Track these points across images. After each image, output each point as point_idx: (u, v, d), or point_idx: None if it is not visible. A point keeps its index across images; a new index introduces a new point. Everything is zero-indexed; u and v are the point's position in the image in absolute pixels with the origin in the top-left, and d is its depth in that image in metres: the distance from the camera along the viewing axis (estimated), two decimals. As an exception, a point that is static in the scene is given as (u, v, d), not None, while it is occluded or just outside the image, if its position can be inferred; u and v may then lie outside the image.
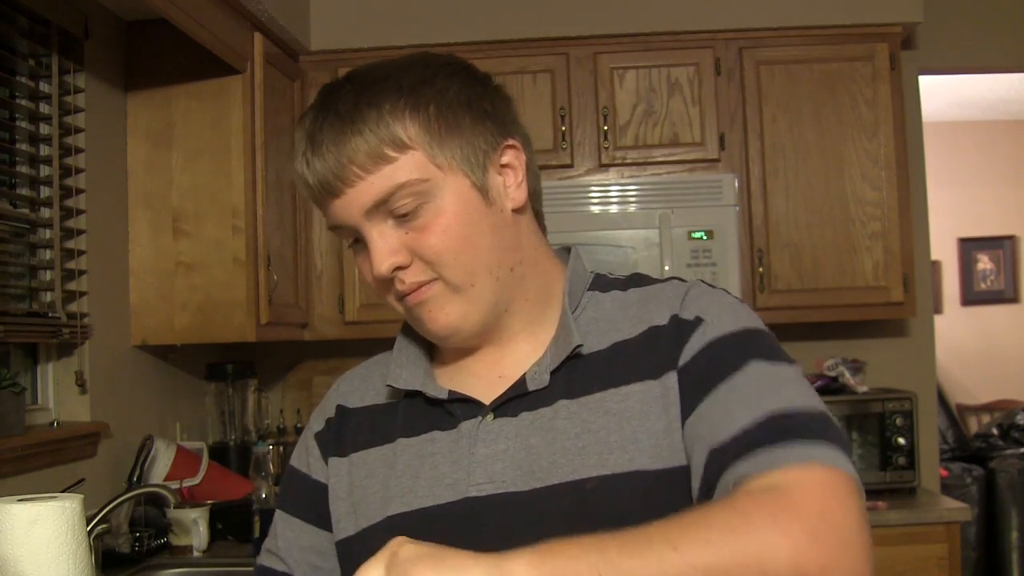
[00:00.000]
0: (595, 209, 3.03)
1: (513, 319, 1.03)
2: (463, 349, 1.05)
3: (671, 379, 0.96)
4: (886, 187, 3.09)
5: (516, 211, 1.03)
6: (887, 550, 2.74)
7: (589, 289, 1.07)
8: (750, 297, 3.07)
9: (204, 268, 2.69)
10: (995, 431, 5.22)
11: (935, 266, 5.87)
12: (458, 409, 1.02)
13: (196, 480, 2.72)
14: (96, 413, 2.50)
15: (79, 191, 2.47)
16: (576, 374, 0.99)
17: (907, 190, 3.14)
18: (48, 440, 2.27)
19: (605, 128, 3.12)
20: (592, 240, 2.98)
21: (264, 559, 1.12)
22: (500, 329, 1.03)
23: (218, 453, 3.00)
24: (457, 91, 0.99)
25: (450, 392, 1.03)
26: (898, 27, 3.13)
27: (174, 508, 2.43)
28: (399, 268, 0.98)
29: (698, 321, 0.97)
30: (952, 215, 5.90)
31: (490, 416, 1.00)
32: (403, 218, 0.97)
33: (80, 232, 2.47)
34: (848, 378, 3.14)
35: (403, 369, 1.07)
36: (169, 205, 2.71)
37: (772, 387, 0.90)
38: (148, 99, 2.72)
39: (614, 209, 3.03)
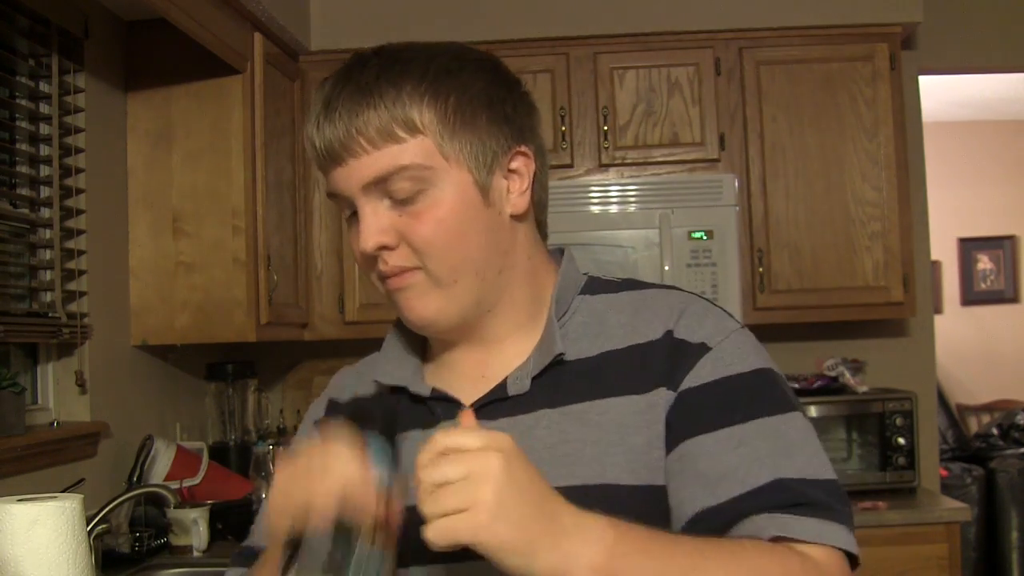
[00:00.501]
0: (595, 209, 3.03)
1: (496, 321, 1.03)
2: (449, 344, 1.05)
3: (660, 396, 0.96)
4: (886, 187, 3.09)
5: (515, 217, 1.02)
6: (887, 550, 2.74)
7: (581, 293, 1.06)
8: (750, 297, 3.08)
9: (204, 268, 2.69)
10: (995, 431, 5.22)
11: (935, 266, 5.87)
12: (439, 408, 1.02)
13: (196, 480, 2.72)
14: (96, 413, 2.50)
15: (79, 191, 2.47)
16: (561, 382, 0.99)
17: (907, 190, 3.14)
18: (48, 440, 2.27)
19: (605, 128, 3.12)
20: (592, 240, 2.98)
21: (249, 540, 1.12)
22: (482, 329, 1.03)
23: (218, 453, 3.00)
24: (481, 88, 0.99)
25: (433, 390, 1.03)
26: (898, 27, 3.13)
27: (174, 508, 2.43)
28: (385, 248, 0.98)
29: (704, 348, 0.97)
30: (952, 215, 5.90)
31: None
32: (400, 202, 0.97)
33: (80, 232, 2.47)
34: (848, 378, 3.14)
35: (391, 365, 1.07)
36: (169, 205, 2.71)
37: (788, 447, 0.93)
38: (148, 99, 2.72)
39: (614, 209, 3.03)
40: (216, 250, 2.69)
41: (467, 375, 1.03)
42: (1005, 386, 5.86)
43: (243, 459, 3.01)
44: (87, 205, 2.51)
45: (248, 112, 2.71)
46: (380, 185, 0.96)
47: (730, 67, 3.13)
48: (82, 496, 1.40)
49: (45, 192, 2.41)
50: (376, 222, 0.97)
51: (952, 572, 2.78)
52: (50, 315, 2.35)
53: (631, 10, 3.13)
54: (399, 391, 1.05)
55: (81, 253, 2.48)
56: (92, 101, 2.54)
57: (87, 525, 1.90)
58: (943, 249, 6.00)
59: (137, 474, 2.60)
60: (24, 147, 2.36)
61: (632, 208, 3.03)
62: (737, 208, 3.02)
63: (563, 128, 3.12)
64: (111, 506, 2.27)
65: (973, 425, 5.76)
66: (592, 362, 1.00)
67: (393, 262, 0.98)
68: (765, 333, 3.59)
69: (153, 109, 2.72)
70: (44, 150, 2.41)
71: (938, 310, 5.85)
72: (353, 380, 1.13)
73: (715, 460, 0.92)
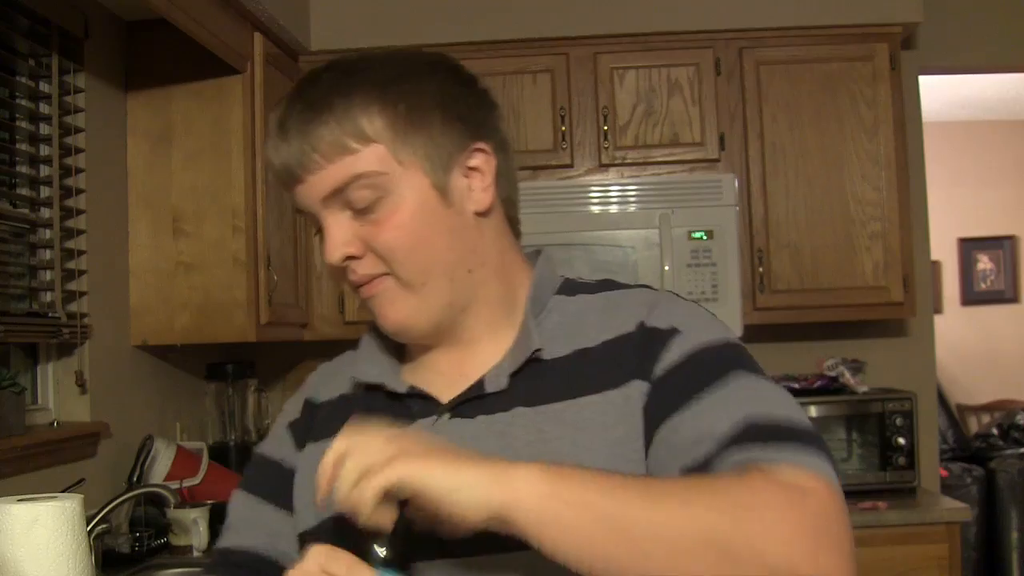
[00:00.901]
0: (595, 209, 3.03)
1: (471, 320, 1.03)
2: (426, 347, 1.05)
3: (634, 388, 0.96)
4: (886, 187, 3.09)
5: (480, 215, 1.02)
6: (887, 550, 2.74)
7: (557, 293, 1.06)
8: (750, 297, 3.07)
9: (204, 268, 2.69)
10: (995, 431, 5.22)
11: (935, 266, 5.87)
12: (416, 405, 1.02)
13: (196, 480, 2.72)
14: (96, 413, 2.50)
15: (79, 191, 2.47)
16: (537, 381, 0.99)
17: (907, 190, 3.14)
18: (48, 440, 2.27)
19: (605, 128, 3.12)
20: (592, 240, 2.98)
21: (225, 541, 1.10)
22: (457, 330, 1.03)
23: (218, 453, 3.00)
24: (434, 90, 0.99)
25: (410, 387, 1.03)
26: (898, 27, 3.13)
27: (174, 508, 2.43)
28: (352, 258, 0.99)
29: (673, 331, 0.97)
30: (952, 215, 5.90)
31: (446, 415, 1.00)
32: (361, 211, 0.97)
33: (80, 232, 2.47)
34: (848, 378, 3.14)
35: (368, 363, 1.07)
36: (169, 205, 2.71)
37: (758, 397, 0.92)
38: (148, 99, 2.72)
39: (614, 209, 3.03)
40: (216, 250, 2.69)
41: (444, 373, 1.03)
42: (1005, 386, 5.87)
43: (243, 459, 3.00)
44: (87, 205, 2.51)
45: (248, 112, 2.71)
46: (339, 196, 0.97)
47: (730, 67, 3.13)
48: (82, 496, 1.39)
49: (45, 192, 2.41)
50: (339, 234, 0.98)
51: (952, 572, 2.77)
52: (50, 315, 2.35)
53: (631, 10, 3.13)
54: (376, 389, 1.05)
55: (81, 253, 2.48)
56: (92, 101, 2.54)
57: (87, 525, 1.90)
58: (943, 249, 6.00)
59: (137, 474, 2.60)
60: (24, 147, 2.36)
61: (632, 208, 3.03)
62: (737, 208, 3.02)
63: (563, 128, 3.12)
64: (111, 506, 2.27)
65: (973, 425, 5.76)
66: (568, 360, 1.00)
67: (361, 271, 0.99)
68: (765, 333, 3.56)
69: (153, 109, 2.72)
70: (44, 150, 2.41)
71: (938, 310, 5.86)
72: (329, 377, 1.13)
73: (690, 427, 0.91)
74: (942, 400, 5.01)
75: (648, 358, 0.96)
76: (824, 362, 3.22)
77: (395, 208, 0.97)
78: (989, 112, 5.83)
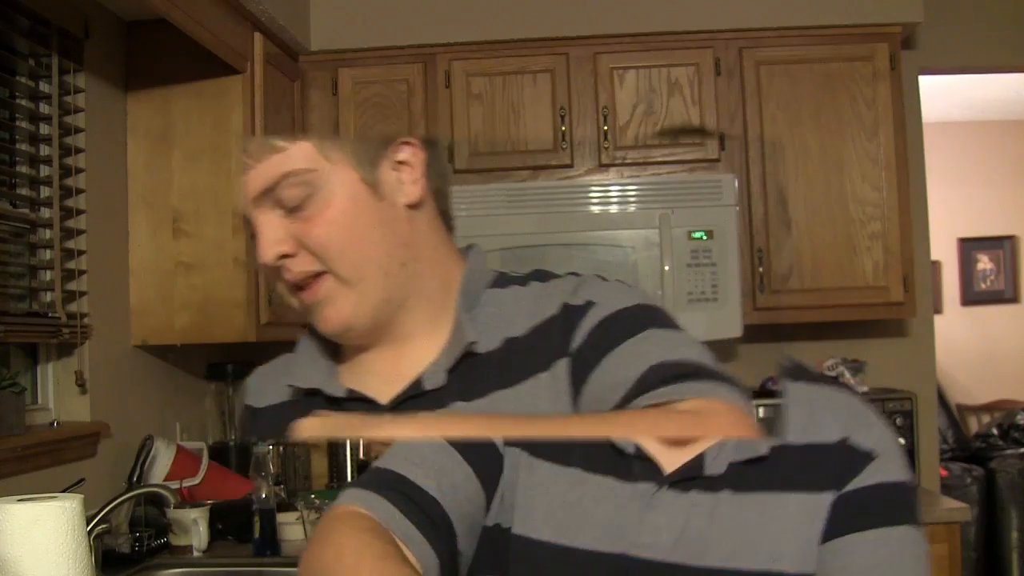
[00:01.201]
0: (595, 209, 3.03)
1: (409, 316, 1.03)
2: (363, 347, 1.06)
3: (560, 366, 0.97)
4: (886, 187, 3.09)
5: (411, 207, 1.03)
6: (887, 550, 2.74)
7: (491, 287, 1.07)
8: (750, 297, 3.07)
9: (204, 268, 2.69)
10: (995, 431, 5.22)
11: (935, 266, 5.87)
12: (356, 408, 1.02)
13: (196, 480, 2.72)
14: (96, 413, 2.50)
15: (79, 191, 2.47)
16: (472, 375, 1.00)
17: (907, 190, 3.13)
18: (48, 440, 2.28)
19: (605, 128, 3.12)
20: (592, 240, 2.98)
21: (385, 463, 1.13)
22: (396, 326, 1.03)
23: (218, 453, 3.00)
24: None
25: (348, 391, 1.03)
26: (898, 27, 3.13)
27: (174, 508, 2.43)
28: (285, 256, 0.99)
29: (589, 304, 0.99)
30: (952, 215, 5.90)
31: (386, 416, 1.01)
32: (292, 209, 0.98)
33: (80, 232, 2.48)
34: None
35: (304, 368, 1.08)
36: (169, 205, 2.71)
37: (668, 346, 0.93)
38: (148, 99, 2.72)
39: (614, 209, 3.03)
40: (216, 250, 2.69)
41: (382, 374, 1.04)
42: (1005, 386, 5.86)
43: (243, 459, 3.00)
44: (87, 205, 2.51)
45: (248, 112, 2.71)
46: (269, 195, 0.98)
47: (730, 67, 3.13)
48: (82, 496, 1.39)
49: (45, 192, 2.41)
50: (271, 233, 0.99)
51: (952, 572, 2.77)
52: (50, 315, 2.35)
53: (631, 10, 3.13)
54: (314, 394, 1.05)
55: (81, 253, 2.48)
56: (92, 101, 2.54)
57: (87, 525, 1.90)
58: (943, 249, 5.99)
59: (137, 474, 2.60)
60: (24, 147, 2.36)
61: (632, 208, 3.02)
62: (737, 208, 3.02)
63: (563, 128, 3.12)
64: (111, 506, 2.27)
65: (973, 425, 5.76)
66: (500, 352, 1.01)
67: (297, 268, 1.00)
68: (765, 333, 3.54)
69: (153, 109, 2.72)
70: (44, 150, 2.41)
71: (938, 310, 5.85)
72: (266, 383, 1.13)
73: (606, 378, 0.92)
74: (942, 400, 5.01)
75: (568, 332, 0.98)
76: (824, 362, 3.21)
77: (326, 204, 0.98)
78: (989, 112, 5.83)
